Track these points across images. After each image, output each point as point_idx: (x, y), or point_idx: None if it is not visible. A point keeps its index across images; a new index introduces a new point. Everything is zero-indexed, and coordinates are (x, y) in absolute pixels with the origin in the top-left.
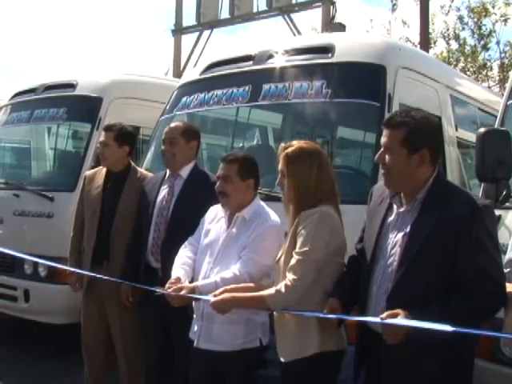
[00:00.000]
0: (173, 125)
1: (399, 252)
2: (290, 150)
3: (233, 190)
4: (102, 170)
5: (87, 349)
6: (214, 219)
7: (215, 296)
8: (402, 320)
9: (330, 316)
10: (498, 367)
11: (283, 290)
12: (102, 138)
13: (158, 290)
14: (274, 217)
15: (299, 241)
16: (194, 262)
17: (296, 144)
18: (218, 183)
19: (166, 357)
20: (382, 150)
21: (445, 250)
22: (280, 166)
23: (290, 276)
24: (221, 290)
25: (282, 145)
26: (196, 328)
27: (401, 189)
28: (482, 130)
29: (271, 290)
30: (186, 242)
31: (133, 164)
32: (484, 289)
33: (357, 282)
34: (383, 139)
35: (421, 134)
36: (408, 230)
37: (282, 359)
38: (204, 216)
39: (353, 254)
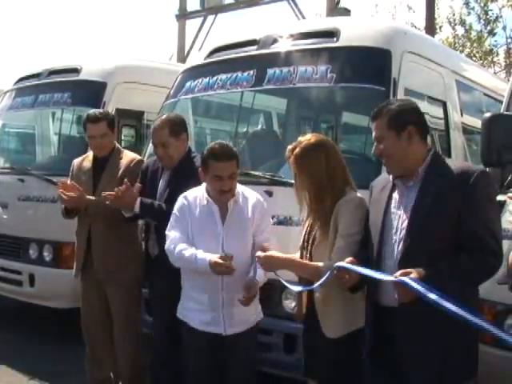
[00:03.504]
0: (157, 126)
1: (407, 224)
2: (296, 150)
3: (236, 183)
4: (89, 156)
5: (88, 331)
6: (195, 208)
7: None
8: (416, 284)
9: (347, 265)
10: (502, 352)
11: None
12: (93, 131)
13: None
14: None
15: (343, 223)
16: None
17: (302, 143)
18: (223, 184)
19: (173, 338)
20: (375, 143)
21: (449, 215)
22: (292, 169)
23: (338, 255)
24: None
25: (290, 147)
26: (210, 318)
27: (402, 170)
28: (487, 114)
29: (324, 264)
30: (173, 239)
31: (117, 145)
32: (486, 246)
33: (367, 260)
34: (373, 133)
35: (401, 114)
36: (413, 202)
37: (332, 335)
38: (178, 206)
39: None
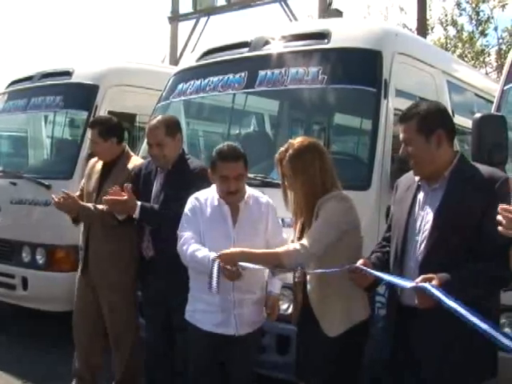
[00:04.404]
0: (153, 125)
1: (431, 225)
2: (290, 152)
3: (244, 185)
4: None
5: (77, 331)
6: (207, 209)
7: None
8: (432, 289)
9: (365, 268)
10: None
11: (298, 247)
12: (89, 136)
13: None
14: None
15: (323, 214)
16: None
17: (295, 145)
18: (229, 184)
19: (169, 339)
20: (403, 145)
21: (472, 218)
22: (283, 170)
23: (306, 238)
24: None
25: (282, 149)
26: (221, 319)
27: (429, 173)
28: (478, 115)
29: (285, 248)
30: (186, 239)
31: (126, 150)
32: (504, 252)
33: (386, 260)
34: (401, 135)
35: (431, 118)
36: (438, 204)
37: (332, 334)
38: (189, 207)
39: (379, 242)
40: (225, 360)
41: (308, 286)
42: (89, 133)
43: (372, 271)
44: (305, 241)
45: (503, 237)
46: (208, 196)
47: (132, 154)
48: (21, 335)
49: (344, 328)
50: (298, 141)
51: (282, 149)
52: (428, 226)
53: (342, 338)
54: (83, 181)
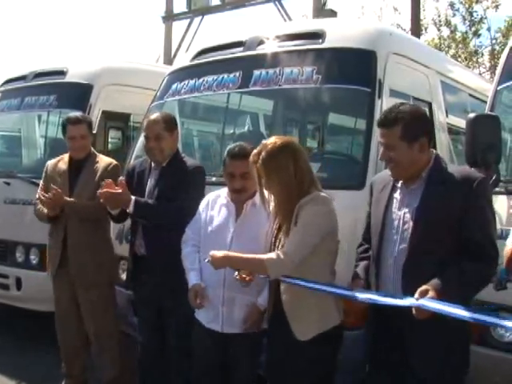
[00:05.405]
0: (152, 119)
1: (412, 225)
2: (263, 154)
3: (251, 184)
4: (65, 158)
5: (61, 332)
6: (215, 206)
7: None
8: (433, 303)
9: (362, 299)
10: (488, 351)
11: (282, 256)
12: (74, 132)
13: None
14: None
15: (300, 220)
16: (198, 255)
17: (267, 146)
18: (234, 182)
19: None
20: (382, 148)
21: (452, 220)
22: (258, 172)
23: (288, 246)
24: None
25: (255, 151)
26: (212, 315)
27: (408, 176)
28: (471, 115)
29: (271, 255)
30: (185, 237)
31: (92, 149)
32: (486, 252)
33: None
34: (382, 139)
35: (415, 125)
36: (417, 204)
37: (303, 338)
38: (201, 205)
39: (360, 242)
40: (225, 360)
41: (281, 287)
42: (73, 130)
43: (369, 299)
44: (288, 250)
45: (486, 235)
46: (221, 194)
47: (97, 153)
48: (19, 337)
49: (315, 332)
50: (270, 142)
51: (255, 151)
52: (407, 226)
53: (315, 341)
54: (42, 183)
